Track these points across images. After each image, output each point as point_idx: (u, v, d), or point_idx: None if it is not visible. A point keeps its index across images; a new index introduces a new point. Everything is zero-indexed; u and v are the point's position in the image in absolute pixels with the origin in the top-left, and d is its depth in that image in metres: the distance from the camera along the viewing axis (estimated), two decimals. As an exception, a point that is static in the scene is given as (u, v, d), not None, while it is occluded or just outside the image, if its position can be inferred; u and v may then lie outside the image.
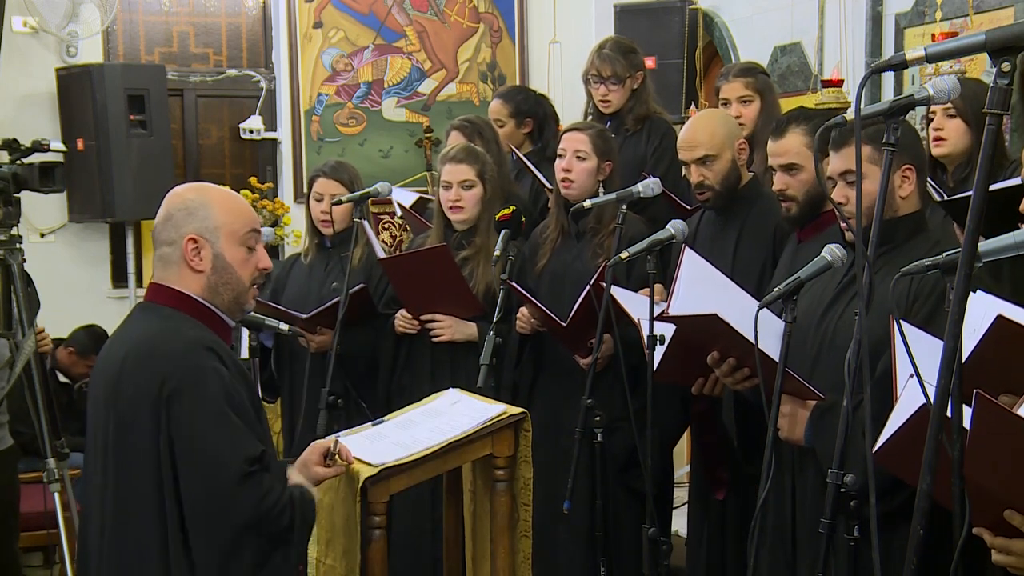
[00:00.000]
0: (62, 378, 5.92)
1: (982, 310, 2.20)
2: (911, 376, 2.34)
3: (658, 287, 3.50)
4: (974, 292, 2.26)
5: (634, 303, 3.56)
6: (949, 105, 3.43)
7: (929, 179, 3.26)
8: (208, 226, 2.51)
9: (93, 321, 6.00)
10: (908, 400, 2.31)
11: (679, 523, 4.66)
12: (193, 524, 2.36)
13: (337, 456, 2.76)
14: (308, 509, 2.53)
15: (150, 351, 2.43)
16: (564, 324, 3.76)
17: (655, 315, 3.27)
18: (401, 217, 5.50)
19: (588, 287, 3.67)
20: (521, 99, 4.99)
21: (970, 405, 1.82)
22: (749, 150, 3.81)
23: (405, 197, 5.10)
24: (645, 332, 3.32)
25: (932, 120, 3.61)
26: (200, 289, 2.52)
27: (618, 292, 3.57)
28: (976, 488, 1.89)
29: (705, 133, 3.70)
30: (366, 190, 4.10)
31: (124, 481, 2.41)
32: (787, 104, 4.73)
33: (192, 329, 2.47)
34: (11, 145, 4.44)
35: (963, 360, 2.06)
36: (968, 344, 2.13)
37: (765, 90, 4.34)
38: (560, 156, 4.06)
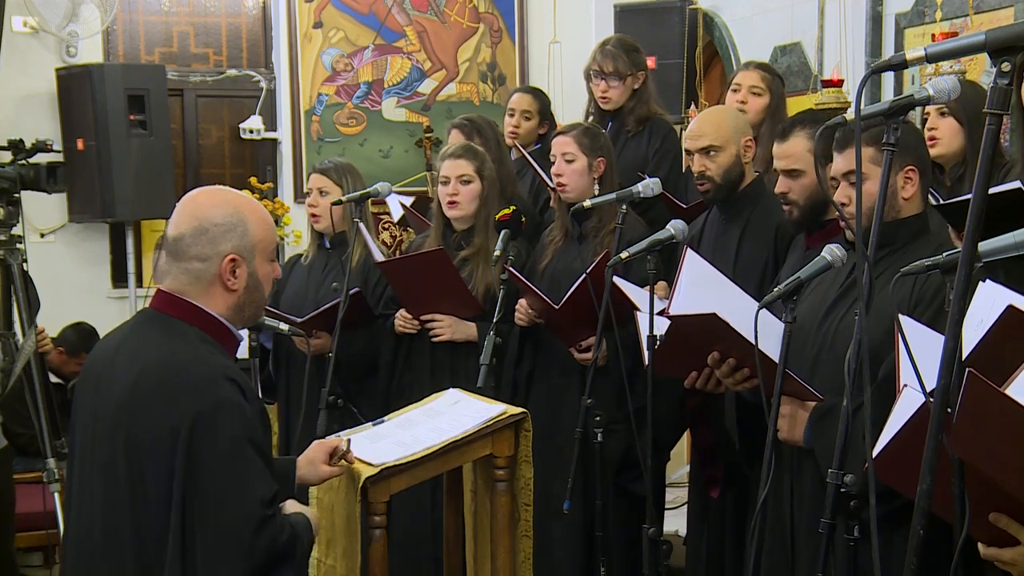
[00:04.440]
0: (54, 378, 5.90)
1: (989, 300, 2.19)
2: (905, 386, 2.34)
3: (662, 284, 3.49)
4: (982, 281, 2.25)
5: (637, 294, 3.56)
6: (941, 104, 3.43)
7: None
8: (247, 244, 2.38)
9: (94, 321, 5.99)
10: (903, 409, 2.31)
11: (679, 523, 4.66)
12: (206, 562, 2.24)
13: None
14: (303, 543, 2.41)
15: (169, 378, 2.29)
16: (557, 307, 3.75)
17: (656, 312, 3.27)
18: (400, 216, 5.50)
19: (585, 273, 3.65)
20: (547, 101, 5.12)
21: None
22: (755, 148, 3.82)
23: (403, 200, 5.13)
24: (644, 329, 3.32)
25: (927, 121, 3.62)
26: (226, 308, 2.40)
27: (621, 283, 3.57)
28: (974, 495, 1.89)
29: (711, 124, 3.75)
30: (365, 190, 4.10)
31: (138, 511, 2.29)
32: (787, 104, 4.73)
33: (211, 354, 2.35)
34: (16, 146, 4.45)
35: (969, 352, 2.07)
36: (975, 334, 2.13)
37: (776, 89, 4.41)
38: (552, 161, 4.07)
